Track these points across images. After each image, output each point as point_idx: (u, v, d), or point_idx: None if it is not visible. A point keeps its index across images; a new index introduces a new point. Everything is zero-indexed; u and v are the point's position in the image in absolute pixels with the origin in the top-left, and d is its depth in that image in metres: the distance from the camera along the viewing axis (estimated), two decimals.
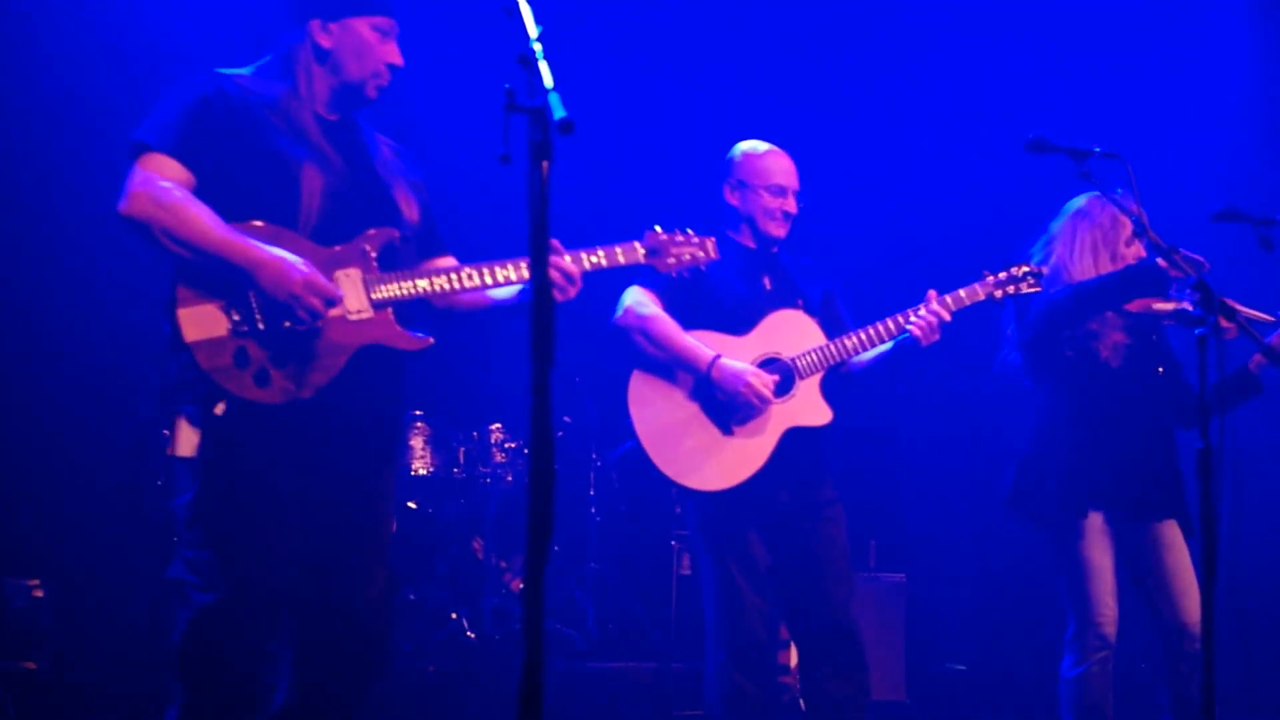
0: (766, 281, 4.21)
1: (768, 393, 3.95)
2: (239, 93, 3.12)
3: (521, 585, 6.26)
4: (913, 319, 3.96)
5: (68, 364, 5.74)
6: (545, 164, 2.00)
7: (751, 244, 4.24)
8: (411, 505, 6.36)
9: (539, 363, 1.97)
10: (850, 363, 4.18)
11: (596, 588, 6.51)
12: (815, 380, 4.07)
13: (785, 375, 4.04)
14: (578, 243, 3.30)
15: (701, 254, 3.51)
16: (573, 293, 3.22)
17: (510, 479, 6.46)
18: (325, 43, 3.17)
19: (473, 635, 6.00)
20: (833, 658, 4.01)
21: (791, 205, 4.19)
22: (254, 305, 2.98)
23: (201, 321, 2.97)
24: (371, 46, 3.17)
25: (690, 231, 3.51)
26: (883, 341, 4.03)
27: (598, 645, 6.24)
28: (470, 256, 3.29)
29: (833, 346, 4.04)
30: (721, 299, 4.14)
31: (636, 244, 3.40)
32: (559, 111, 2.00)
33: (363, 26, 3.17)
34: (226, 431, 3.02)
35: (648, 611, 6.39)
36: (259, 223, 3.04)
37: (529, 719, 1.91)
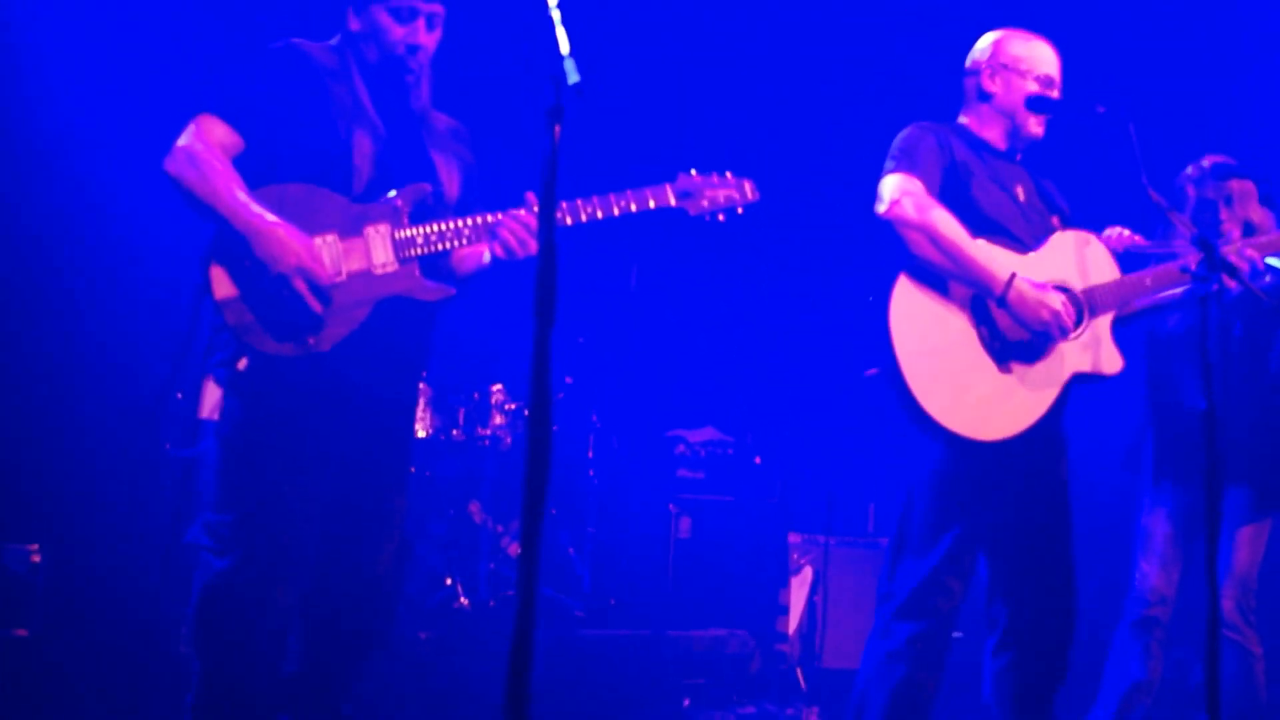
0: (1020, 191, 3.59)
1: (1070, 324, 3.42)
2: (304, 60, 3.24)
3: (518, 550, 6.18)
4: (1235, 256, 3.58)
5: (72, 329, 5.72)
6: (557, 128, 2.06)
7: (1002, 145, 3.63)
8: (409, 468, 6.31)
9: (541, 323, 2.01)
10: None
11: (593, 553, 6.48)
12: (1107, 320, 3.51)
13: (1076, 310, 3.49)
14: (606, 188, 3.28)
15: (737, 196, 3.40)
16: (533, 248, 3.17)
17: (509, 441, 6.42)
18: (354, 27, 3.30)
19: (466, 601, 5.98)
20: (1040, 638, 3.47)
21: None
22: (249, 274, 3.06)
23: (230, 280, 3.08)
24: (387, 31, 3.26)
25: (728, 173, 3.42)
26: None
27: (593, 612, 6.20)
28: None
29: (1130, 281, 3.51)
30: (986, 204, 3.52)
31: (668, 187, 3.35)
32: (573, 77, 2.08)
33: (380, 12, 3.25)
34: (247, 388, 3.09)
35: (645, 578, 6.37)
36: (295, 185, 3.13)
37: (516, 689, 1.92)
